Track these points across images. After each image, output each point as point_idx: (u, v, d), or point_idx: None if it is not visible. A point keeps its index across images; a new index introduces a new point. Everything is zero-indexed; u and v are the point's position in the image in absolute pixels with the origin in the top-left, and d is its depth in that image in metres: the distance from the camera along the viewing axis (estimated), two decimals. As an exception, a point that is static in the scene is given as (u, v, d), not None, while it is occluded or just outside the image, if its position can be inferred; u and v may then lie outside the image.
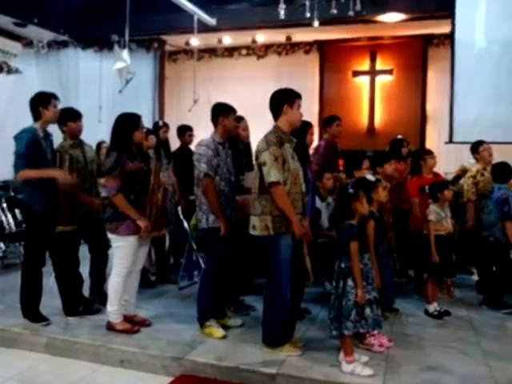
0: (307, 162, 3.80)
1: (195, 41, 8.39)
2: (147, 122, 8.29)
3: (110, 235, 3.74)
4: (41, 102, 3.85)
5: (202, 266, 4.60)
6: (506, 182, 4.55)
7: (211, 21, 7.68)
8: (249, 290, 4.50)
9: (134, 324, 3.82)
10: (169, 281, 5.08)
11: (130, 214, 3.61)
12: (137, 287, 3.98)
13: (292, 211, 3.23)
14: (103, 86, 8.61)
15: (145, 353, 3.46)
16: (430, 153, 4.94)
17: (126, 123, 3.72)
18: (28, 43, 8.81)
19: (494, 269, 4.57)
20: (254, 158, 4.59)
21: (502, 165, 4.67)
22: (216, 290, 3.77)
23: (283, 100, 3.38)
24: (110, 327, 3.77)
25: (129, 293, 3.88)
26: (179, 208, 4.85)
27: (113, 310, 3.77)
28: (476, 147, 5.10)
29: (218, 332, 3.70)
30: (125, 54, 7.01)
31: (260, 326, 3.56)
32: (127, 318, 3.85)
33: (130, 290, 3.90)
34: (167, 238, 5.42)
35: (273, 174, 3.21)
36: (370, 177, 3.66)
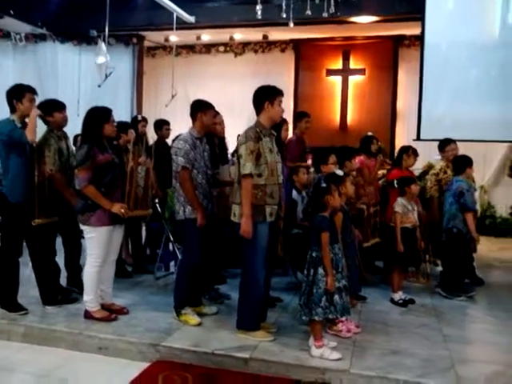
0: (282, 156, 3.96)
1: (174, 37, 8.46)
2: (125, 116, 8.38)
3: (82, 226, 3.80)
4: (15, 95, 3.88)
5: (179, 256, 4.71)
6: (463, 171, 4.73)
7: (190, 18, 7.77)
8: (218, 279, 4.64)
9: (111, 312, 3.91)
10: (145, 271, 5.17)
11: (101, 203, 3.68)
12: (113, 277, 4.06)
13: (248, 205, 3.40)
14: (82, 79, 8.61)
15: (122, 340, 3.55)
16: (413, 152, 5.18)
17: (97, 116, 3.79)
18: (5, 35, 8.75)
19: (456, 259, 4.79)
20: (229, 151, 4.79)
21: (460, 157, 4.92)
22: (192, 279, 3.89)
23: (264, 97, 3.56)
24: (88, 316, 3.85)
25: (105, 282, 3.96)
26: (156, 200, 4.96)
27: (89, 299, 3.84)
28: (443, 145, 5.34)
29: (194, 319, 3.82)
30: (104, 48, 7.05)
31: (234, 314, 3.70)
32: (105, 307, 3.93)
33: (106, 280, 3.97)
34: (144, 229, 5.54)
35: (246, 167, 3.41)
36: (339, 171, 3.84)
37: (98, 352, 3.56)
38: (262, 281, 3.56)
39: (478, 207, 5.15)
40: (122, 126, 4.78)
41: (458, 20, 6.72)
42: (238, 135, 3.82)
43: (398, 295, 4.47)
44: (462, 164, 4.76)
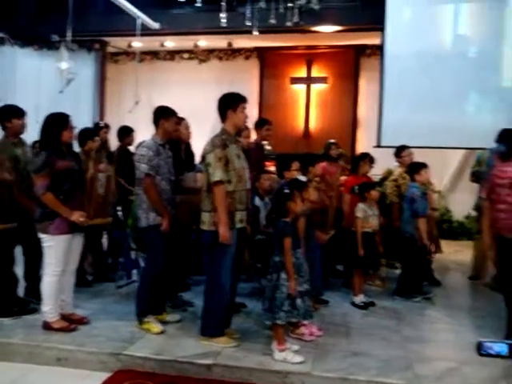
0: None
1: (138, 43, 8.41)
2: (87, 123, 8.24)
3: (40, 235, 3.72)
4: None
5: (141, 264, 4.67)
6: (416, 173, 4.81)
7: (154, 25, 7.74)
8: (182, 287, 4.62)
9: (71, 322, 3.83)
10: (107, 280, 5.09)
11: (60, 211, 3.62)
12: (73, 286, 3.98)
13: (224, 212, 3.42)
14: (42, 85, 8.42)
15: (82, 350, 3.48)
16: (369, 159, 5.32)
17: (55, 123, 3.74)
18: (-40, 39, 8.52)
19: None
20: (195, 158, 4.79)
21: (413, 162, 5.05)
22: (155, 286, 3.87)
23: (228, 105, 3.60)
24: (47, 326, 3.76)
25: (65, 292, 3.88)
26: (118, 208, 4.90)
27: (48, 309, 3.75)
28: (399, 152, 5.51)
29: (156, 327, 3.79)
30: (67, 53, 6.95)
31: (198, 321, 3.70)
32: (65, 317, 3.85)
33: (66, 290, 3.90)
34: (105, 237, 5.46)
35: (216, 174, 3.42)
36: (302, 177, 3.90)
37: (56, 364, 3.47)
38: (228, 287, 3.58)
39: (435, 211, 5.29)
40: (88, 133, 4.73)
41: (415, 31, 6.96)
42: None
43: (359, 298, 4.57)
44: (416, 169, 4.88)
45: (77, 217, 3.65)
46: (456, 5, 7.03)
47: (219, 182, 3.43)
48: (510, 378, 3.01)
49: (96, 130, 5.25)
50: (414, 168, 4.88)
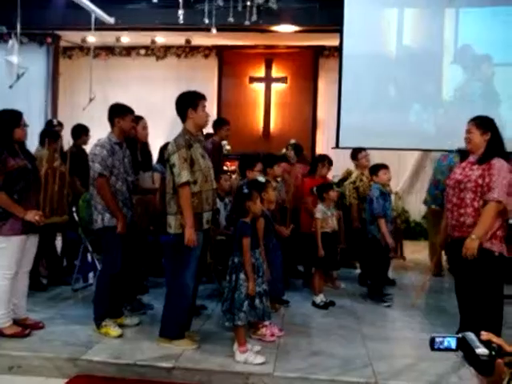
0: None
1: (92, 38, 8.17)
2: (39, 120, 7.93)
3: None
4: None
5: (98, 267, 4.55)
6: (376, 177, 4.89)
7: (109, 19, 7.52)
8: (141, 289, 4.53)
9: (25, 327, 3.68)
10: (62, 283, 4.94)
11: (14, 211, 3.49)
12: (26, 289, 3.83)
13: (190, 214, 3.36)
14: (-10, 80, 8.05)
15: (37, 356, 3.35)
16: (328, 162, 5.39)
17: (6, 120, 3.59)
18: None
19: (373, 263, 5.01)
20: (153, 158, 4.70)
21: (373, 165, 5.12)
22: (113, 289, 3.77)
23: (187, 104, 3.51)
24: (-2, 333, 3.60)
25: (17, 296, 3.73)
26: (73, 209, 4.74)
27: (0, 314, 3.60)
28: (355, 154, 5.60)
29: (115, 331, 3.70)
30: (12, 47, 6.65)
31: (157, 324, 3.63)
32: (18, 322, 3.70)
33: (19, 293, 3.74)
34: (60, 239, 5.28)
35: (183, 176, 3.35)
36: (261, 178, 3.90)
37: (8, 372, 3.31)
38: (191, 290, 3.53)
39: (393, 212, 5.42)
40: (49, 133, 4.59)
41: (371, 33, 7.08)
42: (165, 144, 3.73)
43: (320, 298, 4.61)
44: (375, 170, 4.96)
45: (31, 216, 3.51)
46: (413, 9, 7.22)
47: (185, 184, 3.36)
48: (461, 371, 3.17)
49: (51, 128, 5.08)
50: (374, 169, 4.97)
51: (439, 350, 1.25)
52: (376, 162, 5.18)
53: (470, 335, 1.21)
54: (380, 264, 4.89)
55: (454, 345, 1.24)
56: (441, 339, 1.24)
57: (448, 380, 3.18)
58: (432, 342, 1.25)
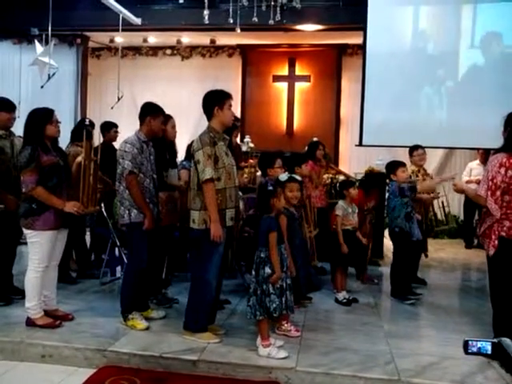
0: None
1: (119, 38, 8.34)
2: (69, 119, 8.13)
3: (25, 231, 3.68)
4: None
5: (125, 261, 4.65)
6: (393, 173, 4.76)
7: (136, 20, 7.68)
8: (166, 283, 4.61)
9: (56, 318, 3.81)
10: (91, 276, 5.07)
11: (53, 203, 3.59)
12: (56, 281, 3.95)
13: (215, 210, 3.42)
14: (23, 80, 8.30)
15: (67, 346, 3.46)
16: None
17: (39, 117, 3.70)
18: None
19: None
20: (178, 156, 4.79)
21: (389, 162, 4.93)
22: (139, 283, 3.86)
23: (213, 102, 3.56)
24: (30, 323, 3.73)
25: (48, 288, 3.86)
26: (102, 204, 4.87)
27: (31, 305, 3.72)
28: (411, 151, 5.37)
29: (141, 324, 3.79)
30: (45, 48, 6.84)
31: (182, 317, 3.70)
32: (49, 313, 3.83)
33: (50, 285, 3.87)
34: (88, 234, 5.42)
35: (207, 172, 3.41)
36: (283, 176, 3.95)
37: (40, 361, 3.44)
38: (215, 285, 3.60)
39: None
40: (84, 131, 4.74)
41: (395, 31, 7.05)
42: (193, 141, 3.78)
43: (342, 295, 4.63)
44: (392, 168, 4.80)
45: (71, 206, 3.62)
46: (437, 7, 7.14)
47: (209, 180, 3.42)
48: (487, 371, 3.15)
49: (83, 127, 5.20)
50: (392, 167, 4.82)
51: (473, 353, 1.22)
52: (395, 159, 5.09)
53: (507, 341, 1.17)
54: (407, 259, 4.75)
55: (489, 349, 1.20)
56: (475, 343, 1.20)
57: (474, 379, 3.15)
58: (466, 345, 1.22)
